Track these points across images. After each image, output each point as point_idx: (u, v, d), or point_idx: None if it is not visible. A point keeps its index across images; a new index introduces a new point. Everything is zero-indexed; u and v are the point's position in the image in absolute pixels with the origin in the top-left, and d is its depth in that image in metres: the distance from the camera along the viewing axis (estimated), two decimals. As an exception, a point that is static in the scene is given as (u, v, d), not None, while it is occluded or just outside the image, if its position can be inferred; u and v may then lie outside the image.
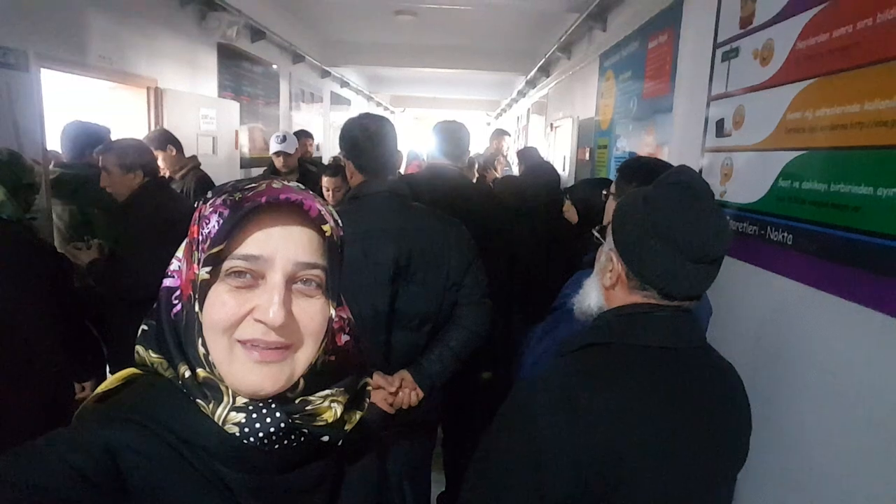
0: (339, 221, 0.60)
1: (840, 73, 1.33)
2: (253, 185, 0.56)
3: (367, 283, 1.53)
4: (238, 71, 4.67)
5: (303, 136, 4.45)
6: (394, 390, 1.56)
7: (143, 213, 2.06)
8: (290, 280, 0.54)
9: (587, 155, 4.23)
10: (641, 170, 1.63)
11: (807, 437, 1.38)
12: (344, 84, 8.40)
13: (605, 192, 1.73)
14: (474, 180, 3.85)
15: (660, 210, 0.89)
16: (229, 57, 4.44)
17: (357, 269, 1.51)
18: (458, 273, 1.64)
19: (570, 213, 2.38)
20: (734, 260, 1.78)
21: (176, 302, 0.57)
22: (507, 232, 2.32)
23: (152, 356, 0.56)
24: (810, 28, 1.45)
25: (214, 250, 0.52)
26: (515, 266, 2.32)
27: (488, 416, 2.61)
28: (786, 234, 1.51)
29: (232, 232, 0.52)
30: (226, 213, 0.53)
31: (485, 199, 2.43)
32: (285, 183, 0.58)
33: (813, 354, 1.38)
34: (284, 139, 3.71)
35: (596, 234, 1.13)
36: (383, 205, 1.56)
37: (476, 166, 4.15)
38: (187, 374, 0.54)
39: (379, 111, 10.86)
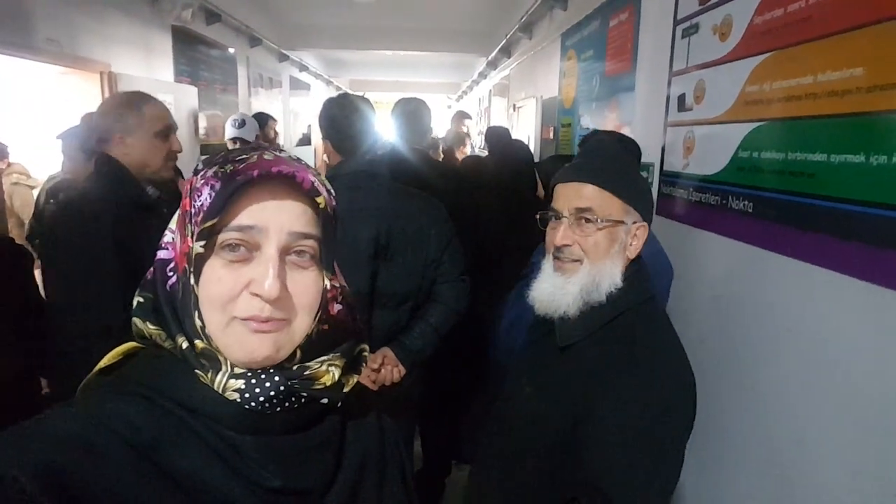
0: (332, 191, 0.60)
1: (794, 46, 1.40)
2: (244, 156, 0.56)
3: (348, 263, 1.53)
4: (194, 55, 4.53)
5: (265, 118, 4.17)
6: (376, 367, 1.59)
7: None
8: (284, 251, 0.55)
9: (551, 134, 4.29)
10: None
11: (766, 391, 1.48)
12: (303, 68, 8.24)
13: None
14: (440, 159, 3.84)
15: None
16: (185, 40, 4.31)
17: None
18: (436, 251, 1.66)
19: (540, 188, 2.44)
20: (698, 230, 1.86)
21: (171, 274, 0.57)
22: (470, 210, 2.34)
23: (150, 328, 0.57)
24: (766, 3, 1.51)
25: (208, 224, 0.52)
26: (484, 244, 2.36)
27: (464, 396, 2.63)
28: (746, 203, 1.58)
29: (225, 206, 0.52)
30: (217, 185, 0.53)
31: (445, 179, 2.44)
32: (277, 153, 0.58)
33: (773, 313, 1.47)
34: (243, 123, 3.35)
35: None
36: (362, 184, 1.57)
37: (440, 147, 4.15)
38: (185, 345, 0.54)
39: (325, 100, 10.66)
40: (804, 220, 1.34)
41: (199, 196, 0.54)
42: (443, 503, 2.54)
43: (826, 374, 1.27)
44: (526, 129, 5.27)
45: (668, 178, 2.11)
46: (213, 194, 0.53)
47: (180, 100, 3.99)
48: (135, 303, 0.58)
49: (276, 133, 4.28)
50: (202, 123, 4.57)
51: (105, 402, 0.53)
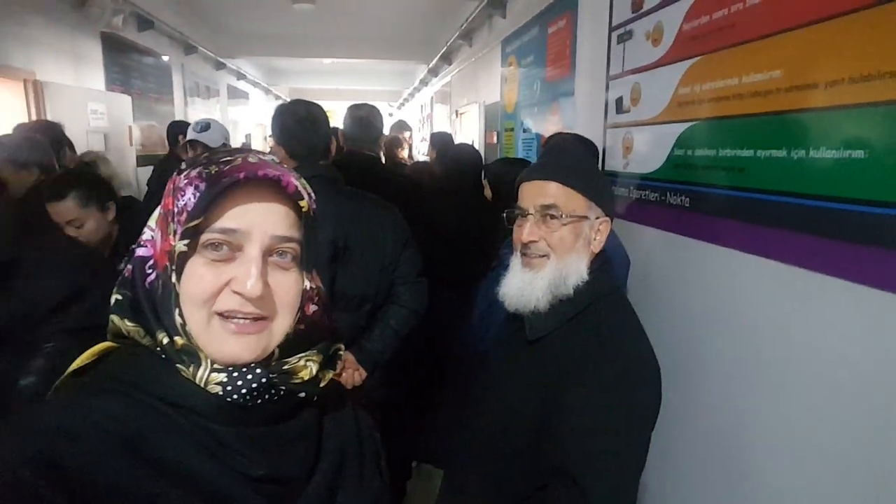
0: (313, 195, 0.62)
1: (720, 50, 1.51)
2: (228, 157, 0.57)
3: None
4: (127, 63, 4.36)
5: (183, 126, 3.37)
6: (337, 371, 1.59)
7: (40, 209, 1.91)
8: (267, 252, 0.56)
9: (495, 138, 4.39)
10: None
11: (706, 375, 1.58)
12: (241, 77, 8.06)
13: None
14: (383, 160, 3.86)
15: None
16: (116, 48, 4.14)
17: (293, 255, 1.52)
18: (393, 254, 1.69)
19: (487, 191, 2.50)
20: (640, 225, 1.97)
21: (150, 271, 0.58)
22: (423, 213, 2.39)
23: (128, 325, 0.57)
24: (693, 11, 1.63)
25: (192, 224, 0.53)
26: (438, 246, 2.40)
27: (426, 395, 2.64)
28: (683, 198, 1.69)
29: (210, 206, 0.53)
30: (202, 186, 0.54)
31: (401, 182, 2.48)
32: (260, 157, 0.59)
33: (710, 299, 1.57)
34: (207, 127, 2.83)
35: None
36: (317, 189, 1.55)
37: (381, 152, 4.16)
38: (165, 340, 0.55)
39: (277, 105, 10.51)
40: (736, 212, 1.45)
41: (182, 195, 0.55)
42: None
43: (757, 354, 1.38)
44: (469, 135, 5.36)
45: (609, 177, 2.21)
46: (198, 194, 0.54)
47: (113, 109, 3.84)
48: (112, 300, 0.58)
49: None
50: (136, 134, 4.40)
51: (83, 398, 0.53)
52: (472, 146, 2.92)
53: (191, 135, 2.90)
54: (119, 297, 0.58)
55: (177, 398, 0.54)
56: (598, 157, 1.94)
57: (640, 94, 1.97)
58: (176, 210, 0.55)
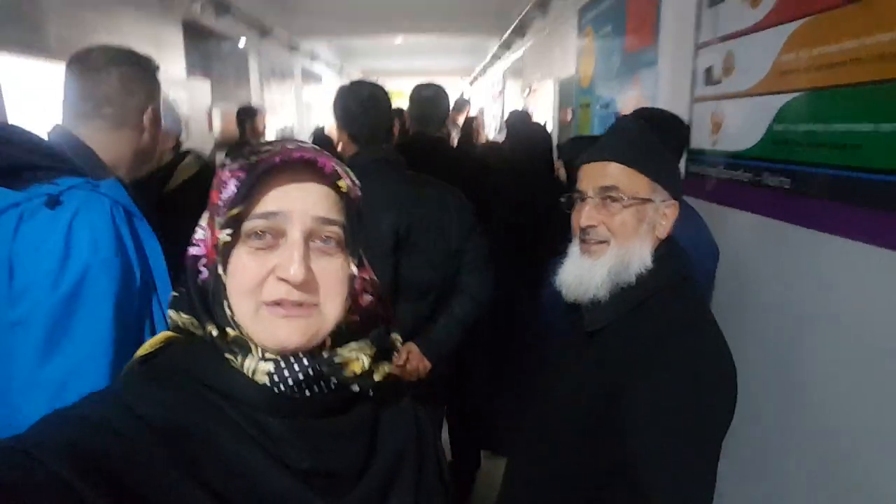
0: (356, 180, 0.60)
1: (835, 9, 1.30)
2: (268, 147, 0.57)
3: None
4: (206, 49, 4.50)
5: (252, 112, 3.74)
6: (401, 363, 1.55)
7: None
8: (309, 236, 0.55)
9: (569, 115, 4.19)
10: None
11: (809, 383, 1.41)
12: (314, 58, 8.20)
13: None
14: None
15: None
16: (196, 35, 4.28)
17: (356, 242, 1.48)
18: (459, 240, 1.61)
19: (561, 172, 2.36)
20: (730, 209, 1.78)
21: (202, 269, 0.59)
22: (496, 199, 2.29)
23: (183, 317, 0.58)
24: (802, -35, 1.42)
25: (233, 212, 0.53)
26: (501, 229, 2.30)
27: (493, 383, 2.57)
28: (783, 178, 1.50)
29: (249, 193, 0.53)
30: (242, 175, 0.54)
31: (472, 166, 2.39)
32: (300, 143, 0.58)
33: (814, 294, 1.39)
34: None
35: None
36: (380, 174, 1.52)
37: (454, 132, 4.07)
38: (215, 332, 0.55)
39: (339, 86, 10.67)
40: (849, 195, 1.26)
41: (225, 188, 0.55)
42: (474, 496, 2.51)
43: (875, 363, 1.20)
44: (543, 112, 5.16)
45: (696, 155, 2.02)
46: (238, 184, 0.54)
47: (194, 95, 3.98)
48: (171, 298, 0.61)
49: (264, 127, 3.87)
50: (216, 119, 4.55)
51: (139, 387, 0.54)
52: (539, 125, 2.78)
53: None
54: (176, 294, 0.60)
55: (226, 388, 0.55)
56: (687, 135, 1.76)
57: (733, 63, 1.77)
58: (220, 203, 0.56)
